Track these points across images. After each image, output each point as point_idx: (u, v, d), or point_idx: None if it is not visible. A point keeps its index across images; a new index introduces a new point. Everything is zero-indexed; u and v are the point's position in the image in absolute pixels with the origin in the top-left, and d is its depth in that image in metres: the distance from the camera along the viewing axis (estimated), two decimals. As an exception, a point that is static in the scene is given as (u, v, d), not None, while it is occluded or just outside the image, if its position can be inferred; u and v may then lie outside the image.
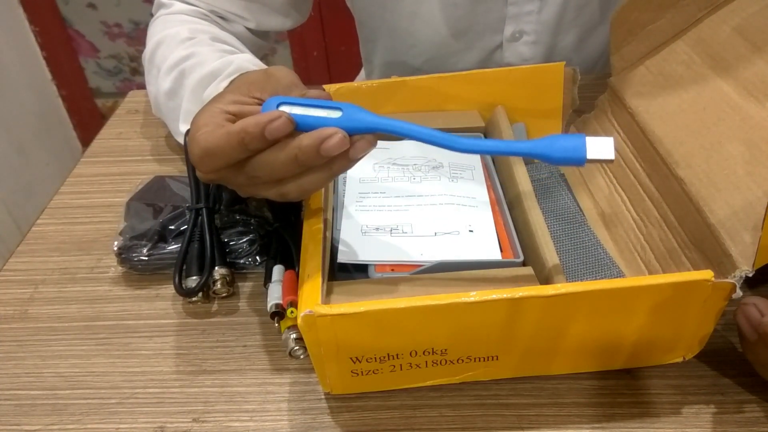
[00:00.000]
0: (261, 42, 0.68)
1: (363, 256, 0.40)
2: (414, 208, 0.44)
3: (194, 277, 0.44)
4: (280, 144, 0.35)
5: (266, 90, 0.39)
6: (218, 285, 0.45)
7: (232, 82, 0.45)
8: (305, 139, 0.34)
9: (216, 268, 0.45)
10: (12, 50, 1.53)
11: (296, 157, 0.35)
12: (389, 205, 0.44)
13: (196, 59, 0.54)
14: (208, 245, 0.46)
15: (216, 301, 0.46)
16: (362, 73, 0.83)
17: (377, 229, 0.42)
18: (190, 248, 0.46)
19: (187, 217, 0.48)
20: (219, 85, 0.49)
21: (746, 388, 0.38)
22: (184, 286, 0.44)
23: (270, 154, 0.35)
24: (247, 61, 0.53)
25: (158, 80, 0.56)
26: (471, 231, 0.42)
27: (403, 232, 0.42)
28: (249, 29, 0.65)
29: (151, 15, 0.64)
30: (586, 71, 0.69)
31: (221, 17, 0.63)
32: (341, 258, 0.40)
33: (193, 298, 0.45)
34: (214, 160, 0.36)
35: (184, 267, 0.45)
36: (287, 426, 0.38)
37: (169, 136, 0.63)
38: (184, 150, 0.50)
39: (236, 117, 0.38)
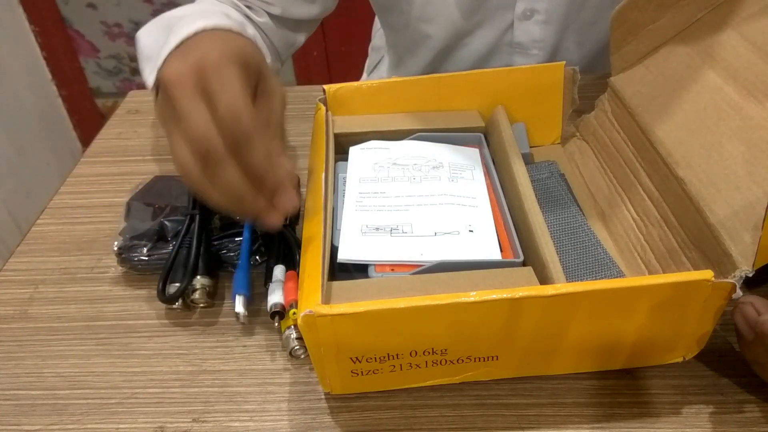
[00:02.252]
0: (290, 34, 0.66)
1: (363, 256, 0.40)
2: (414, 208, 0.44)
3: (176, 284, 0.44)
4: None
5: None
6: (197, 294, 0.44)
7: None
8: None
9: (198, 277, 0.44)
10: (12, 50, 1.53)
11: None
12: (389, 205, 0.44)
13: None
14: (193, 253, 0.45)
15: (216, 301, 0.46)
16: (385, 61, 0.83)
17: (377, 229, 0.42)
18: (178, 254, 0.45)
19: (186, 221, 0.47)
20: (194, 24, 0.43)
21: (746, 388, 0.38)
22: (167, 292, 0.44)
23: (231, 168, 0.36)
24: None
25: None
26: (471, 231, 0.42)
27: (403, 232, 0.42)
28: (275, 17, 0.64)
29: (154, 12, 0.64)
30: (599, 55, 0.69)
31: (247, 6, 0.62)
32: (341, 257, 0.40)
33: (173, 306, 0.44)
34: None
35: (170, 273, 0.45)
36: (287, 426, 0.38)
37: (169, 136, 0.63)
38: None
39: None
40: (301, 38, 0.69)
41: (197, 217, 0.47)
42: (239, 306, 0.42)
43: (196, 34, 0.41)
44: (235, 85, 0.35)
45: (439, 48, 0.71)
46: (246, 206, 0.37)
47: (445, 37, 0.70)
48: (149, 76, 0.46)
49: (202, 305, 0.45)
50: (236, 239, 0.47)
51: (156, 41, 0.47)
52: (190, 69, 0.36)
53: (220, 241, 0.47)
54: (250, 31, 0.54)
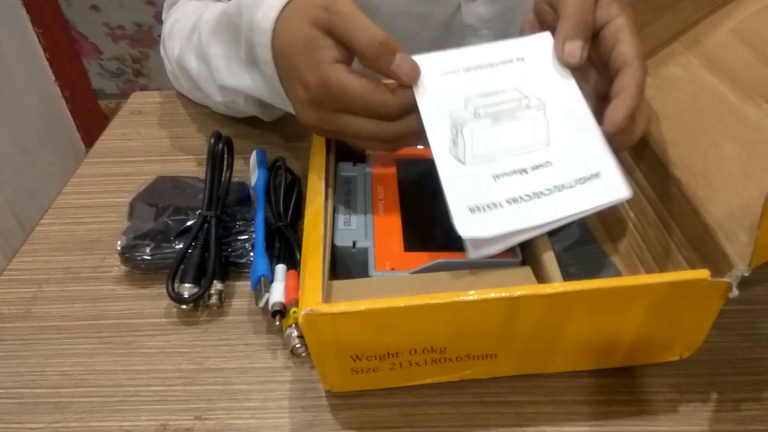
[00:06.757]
0: None
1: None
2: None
3: (188, 285, 0.44)
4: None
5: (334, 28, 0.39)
6: (213, 299, 0.45)
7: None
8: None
9: (214, 282, 0.45)
10: (15, 52, 1.53)
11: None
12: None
13: (206, 15, 0.54)
14: (213, 257, 0.46)
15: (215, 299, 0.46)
16: None
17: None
18: (190, 254, 0.46)
19: (194, 221, 0.48)
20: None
21: (743, 386, 0.39)
22: (176, 290, 0.44)
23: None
24: None
25: (183, 51, 0.57)
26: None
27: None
28: None
29: (156, 14, 0.65)
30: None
31: None
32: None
33: (183, 306, 0.45)
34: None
35: (179, 272, 0.45)
36: (288, 423, 0.38)
37: (172, 137, 0.64)
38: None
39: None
40: None
41: (212, 219, 0.47)
42: (264, 292, 0.43)
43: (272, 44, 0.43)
44: (345, 90, 0.38)
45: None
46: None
47: (396, 29, 0.70)
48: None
49: (215, 308, 0.45)
50: (240, 238, 0.48)
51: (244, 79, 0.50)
52: (311, 111, 0.40)
53: (226, 241, 0.48)
54: None
